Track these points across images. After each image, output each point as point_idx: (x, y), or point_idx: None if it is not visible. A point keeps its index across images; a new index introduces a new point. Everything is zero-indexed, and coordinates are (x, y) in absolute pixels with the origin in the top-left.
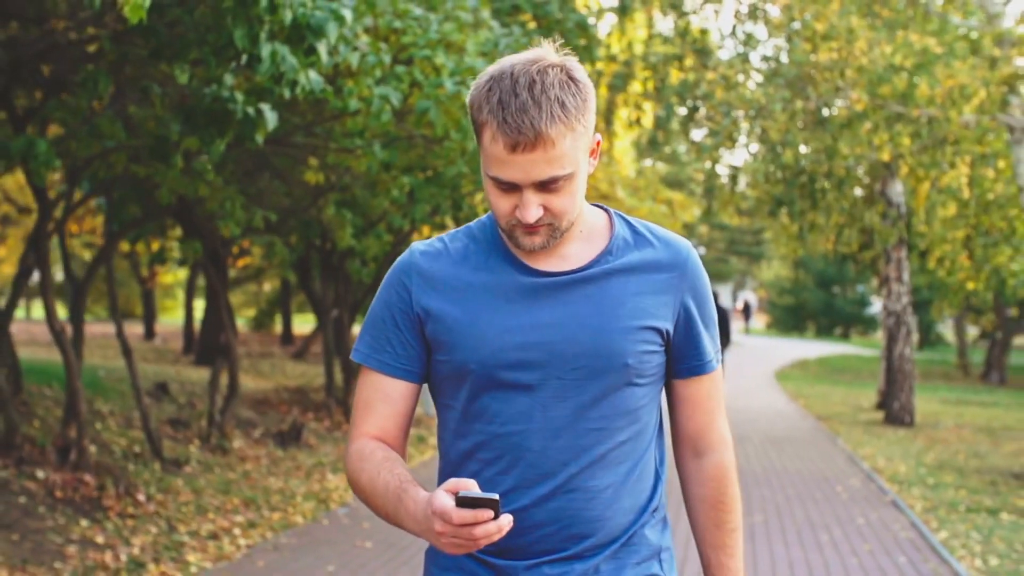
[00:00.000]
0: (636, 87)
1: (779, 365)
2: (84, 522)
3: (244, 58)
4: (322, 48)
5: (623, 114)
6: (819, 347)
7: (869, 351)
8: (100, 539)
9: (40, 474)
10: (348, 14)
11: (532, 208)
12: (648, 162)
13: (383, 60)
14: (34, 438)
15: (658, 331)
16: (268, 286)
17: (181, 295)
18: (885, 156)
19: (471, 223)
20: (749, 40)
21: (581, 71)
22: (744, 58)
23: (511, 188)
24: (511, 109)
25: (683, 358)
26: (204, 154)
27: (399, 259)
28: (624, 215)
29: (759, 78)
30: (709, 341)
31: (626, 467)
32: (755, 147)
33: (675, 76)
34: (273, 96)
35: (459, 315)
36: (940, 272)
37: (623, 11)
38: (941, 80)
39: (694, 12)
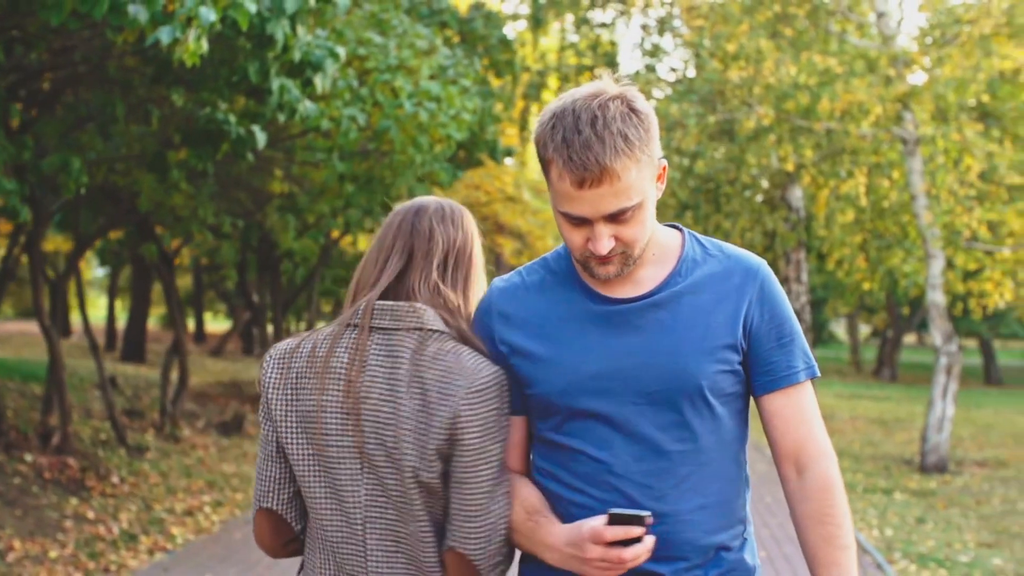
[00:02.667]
0: (549, 96)
1: None
2: (73, 500)
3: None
4: (318, 80)
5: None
6: None
7: None
8: (91, 515)
9: (28, 457)
10: (342, 52)
11: (603, 240)
12: None
13: (351, 84)
14: (16, 425)
15: (732, 348)
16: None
17: (92, 294)
18: (789, 166)
19: (547, 254)
20: (656, 52)
21: (641, 100)
22: (651, 68)
23: (582, 222)
24: (575, 146)
25: (761, 372)
26: (200, 167)
27: (481, 299)
28: (696, 234)
29: (668, 91)
30: (790, 353)
31: (714, 487)
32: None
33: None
34: (265, 119)
35: (537, 350)
36: (839, 273)
37: (537, 24)
38: (841, 96)
39: (603, 25)
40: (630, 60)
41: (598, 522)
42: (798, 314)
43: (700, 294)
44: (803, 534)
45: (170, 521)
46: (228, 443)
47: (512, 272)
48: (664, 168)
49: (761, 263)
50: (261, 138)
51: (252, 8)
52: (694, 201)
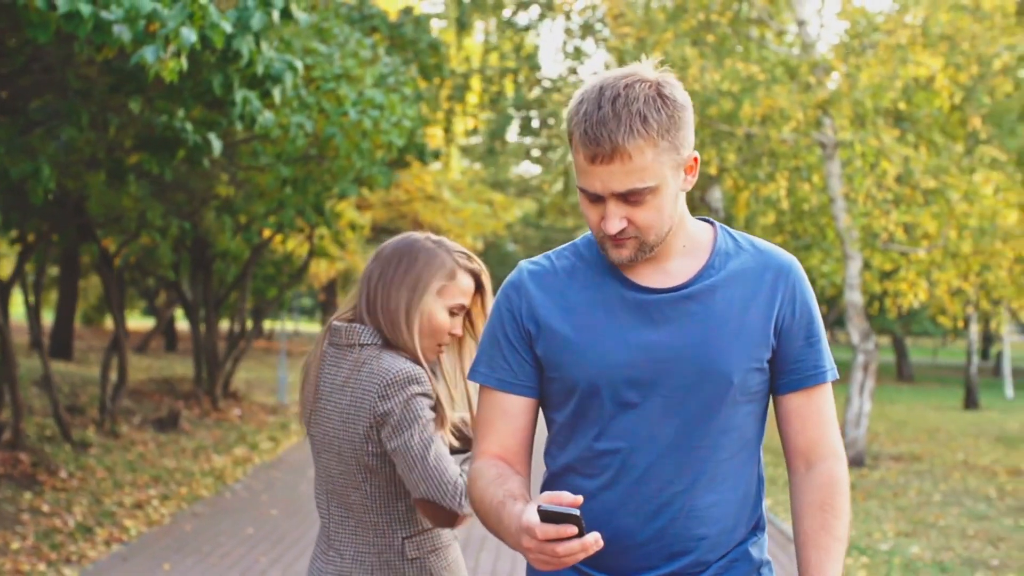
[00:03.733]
0: (473, 98)
1: None
2: (27, 494)
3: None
4: (277, 92)
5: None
6: None
7: None
8: (45, 508)
9: None
10: (300, 65)
11: (613, 219)
12: (466, 163)
13: (299, 92)
14: None
15: (763, 345)
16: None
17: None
18: (713, 169)
19: (576, 240)
20: (578, 55)
21: (674, 88)
22: (573, 71)
23: (597, 199)
24: (592, 121)
25: (787, 371)
26: (156, 172)
27: (508, 278)
28: (729, 228)
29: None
30: (818, 353)
31: (729, 484)
32: None
33: (510, 88)
34: (221, 127)
35: (567, 333)
36: None
37: (462, 27)
38: (763, 102)
39: (526, 28)
40: (552, 63)
41: (532, 517)
42: None
43: (733, 288)
44: (800, 522)
45: (121, 514)
46: (165, 439)
47: (540, 255)
48: (695, 161)
49: (793, 260)
50: (217, 146)
51: (228, 28)
52: None
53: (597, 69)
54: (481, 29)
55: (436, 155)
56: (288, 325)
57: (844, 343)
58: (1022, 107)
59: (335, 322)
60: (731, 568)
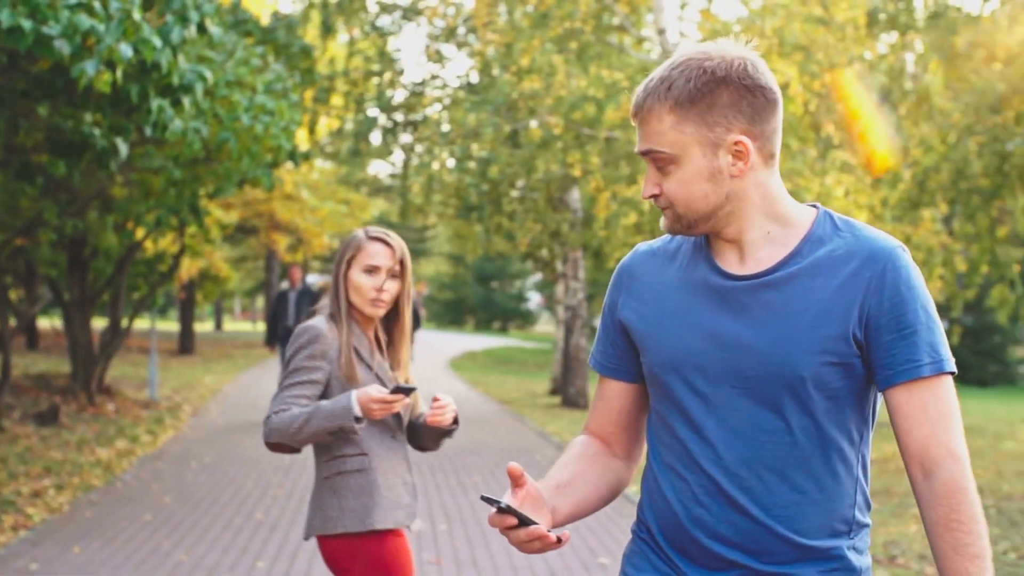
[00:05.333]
0: (337, 100)
1: (450, 356)
2: None
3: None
4: (187, 100)
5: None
6: (481, 340)
7: (530, 343)
8: None
9: None
10: (209, 75)
11: (648, 183)
12: (320, 162)
13: (197, 99)
14: None
15: (843, 339)
16: None
17: None
18: (577, 172)
19: None
20: (440, 58)
21: (729, 69)
22: (435, 76)
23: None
24: (647, 81)
25: (881, 367)
26: (61, 174)
27: (621, 260)
28: (836, 215)
29: (454, 96)
30: (913, 345)
31: (812, 483)
32: (451, 161)
33: (372, 90)
34: (128, 132)
35: (651, 314)
36: None
37: (327, 30)
38: (624, 107)
39: (391, 34)
40: (416, 66)
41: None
42: (575, 310)
43: (817, 277)
44: (932, 541)
45: (21, 502)
46: (48, 432)
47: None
48: (738, 143)
49: (892, 246)
50: (124, 149)
51: (159, 43)
52: (479, 203)
53: (460, 73)
54: (345, 31)
55: (307, 157)
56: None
57: None
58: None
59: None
60: (823, 570)
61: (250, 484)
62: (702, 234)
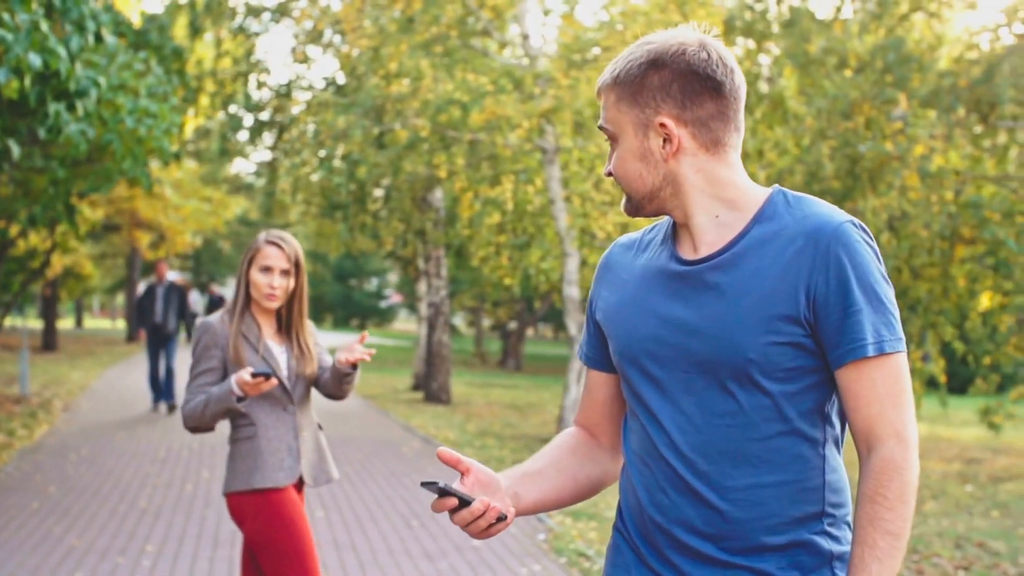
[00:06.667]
0: (204, 100)
1: None
2: None
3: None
4: (81, 105)
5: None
6: (340, 337)
7: (390, 340)
8: None
9: None
10: (103, 81)
11: (607, 162)
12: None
13: (90, 103)
14: None
15: (790, 319)
16: None
17: None
18: (442, 172)
19: None
20: (305, 59)
21: (671, 55)
22: (300, 76)
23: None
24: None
25: (831, 345)
26: None
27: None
28: (789, 192)
29: (320, 98)
30: (857, 324)
31: (771, 467)
32: (317, 162)
33: (240, 90)
34: (21, 134)
35: (614, 303)
36: (485, 269)
37: (195, 32)
38: (487, 110)
39: (258, 34)
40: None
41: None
42: (437, 307)
43: (763, 257)
44: (855, 513)
45: None
46: None
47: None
48: (666, 129)
49: (838, 221)
50: (16, 151)
51: (64, 53)
52: (344, 202)
53: (327, 75)
54: (212, 31)
55: (176, 156)
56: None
57: (548, 338)
58: None
59: None
60: (788, 555)
61: (129, 475)
62: (650, 215)
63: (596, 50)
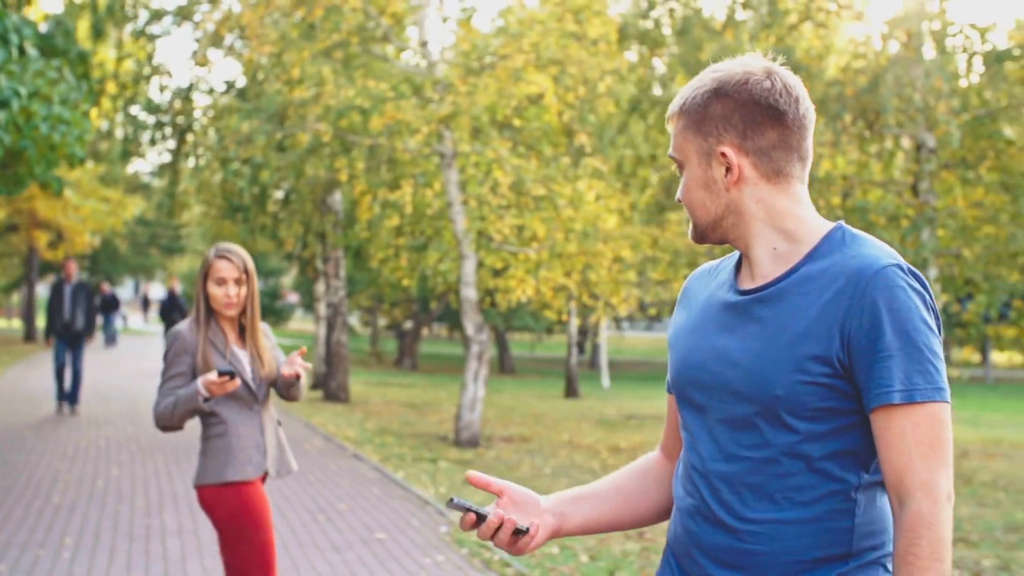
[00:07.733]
0: (107, 103)
1: None
2: None
3: None
4: (2, 115)
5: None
6: None
7: (286, 339)
8: None
9: None
10: (24, 91)
11: (679, 188)
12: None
13: (12, 112)
14: None
15: (821, 359)
16: None
17: None
18: (343, 176)
19: None
20: (205, 62)
21: (734, 84)
22: (203, 79)
23: None
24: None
25: (863, 390)
26: None
27: None
28: (852, 231)
29: (219, 103)
30: (886, 370)
31: (793, 505)
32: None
33: (142, 93)
34: None
35: (679, 327)
36: (384, 271)
37: (98, 34)
38: (387, 114)
39: (160, 37)
40: (185, 70)
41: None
42: (336, 307)
43: (806, 295)
44: (893, 572)
45: None
46: None
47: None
48: (724, 155)
49: (881, 264)
50: None
51: None
52: (244, 205)
53: (228, 78)
54: (115, 34)
55: (82, 160)
56: None
57: (444, 338)
58: (620, 124)
59: None
60: None
61: (40, 472)
62: (715, 243)
63: (493, 57)
